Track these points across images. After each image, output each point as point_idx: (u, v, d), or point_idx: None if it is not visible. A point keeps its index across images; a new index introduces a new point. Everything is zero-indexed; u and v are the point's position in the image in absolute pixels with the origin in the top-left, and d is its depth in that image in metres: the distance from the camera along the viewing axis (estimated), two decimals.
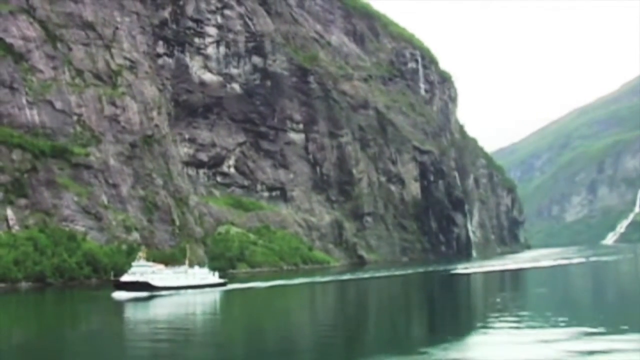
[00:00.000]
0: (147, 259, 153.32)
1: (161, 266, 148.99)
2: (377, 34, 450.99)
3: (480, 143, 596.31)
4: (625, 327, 67.81)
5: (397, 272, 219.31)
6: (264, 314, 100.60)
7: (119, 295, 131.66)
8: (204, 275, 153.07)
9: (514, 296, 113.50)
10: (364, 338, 73.32)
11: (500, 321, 76.32)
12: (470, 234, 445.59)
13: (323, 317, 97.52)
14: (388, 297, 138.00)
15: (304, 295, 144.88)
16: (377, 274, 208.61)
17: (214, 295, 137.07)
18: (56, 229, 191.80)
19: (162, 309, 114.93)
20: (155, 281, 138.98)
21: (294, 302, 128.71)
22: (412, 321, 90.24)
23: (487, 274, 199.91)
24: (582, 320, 75.79)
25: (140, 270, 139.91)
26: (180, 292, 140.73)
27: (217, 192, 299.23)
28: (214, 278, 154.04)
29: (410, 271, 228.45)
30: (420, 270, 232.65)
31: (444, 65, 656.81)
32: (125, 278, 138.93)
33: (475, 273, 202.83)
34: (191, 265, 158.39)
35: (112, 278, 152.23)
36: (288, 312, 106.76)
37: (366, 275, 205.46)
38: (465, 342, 64.38)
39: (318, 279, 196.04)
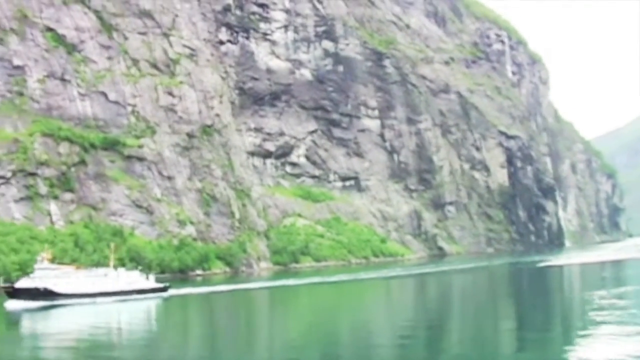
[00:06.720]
0: (53, 260, 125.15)
1: (70, 268, 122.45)
2: (459, 14, 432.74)
3: (581, 127, 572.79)
4: None
5: (477, 264, 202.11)
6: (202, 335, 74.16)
7: (12, 305, 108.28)
8: (132, 279, 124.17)
9: (617, 295, 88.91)
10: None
11: (604, 326, 58.65)
12: (563, 222, 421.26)
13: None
14: (461, 294, 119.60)
15: (302, 302, 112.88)
16: (455, 267, 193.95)
17: (145, 304, 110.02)
18: (102, 224, 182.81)
19: (55, 322, 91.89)
20: (60, 287, 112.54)
21: (269, 313, 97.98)
22: (493, 323, 72.34)
23: (583, 265, 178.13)
24: None
25: (41, 274, 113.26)
26: (95, 300, 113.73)
27: (285, 183, 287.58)
28: (148, 282, 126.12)
29: (491, 263, 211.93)
30: (503, 262, 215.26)
31: (534, 46, 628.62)
32: (20, 284, 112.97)
33: (569, 265, 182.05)
34: (116, 267, 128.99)
35: (1, 284, 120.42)
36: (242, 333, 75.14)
37: (443, 269, 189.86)
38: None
39: (362, 275, 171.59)
